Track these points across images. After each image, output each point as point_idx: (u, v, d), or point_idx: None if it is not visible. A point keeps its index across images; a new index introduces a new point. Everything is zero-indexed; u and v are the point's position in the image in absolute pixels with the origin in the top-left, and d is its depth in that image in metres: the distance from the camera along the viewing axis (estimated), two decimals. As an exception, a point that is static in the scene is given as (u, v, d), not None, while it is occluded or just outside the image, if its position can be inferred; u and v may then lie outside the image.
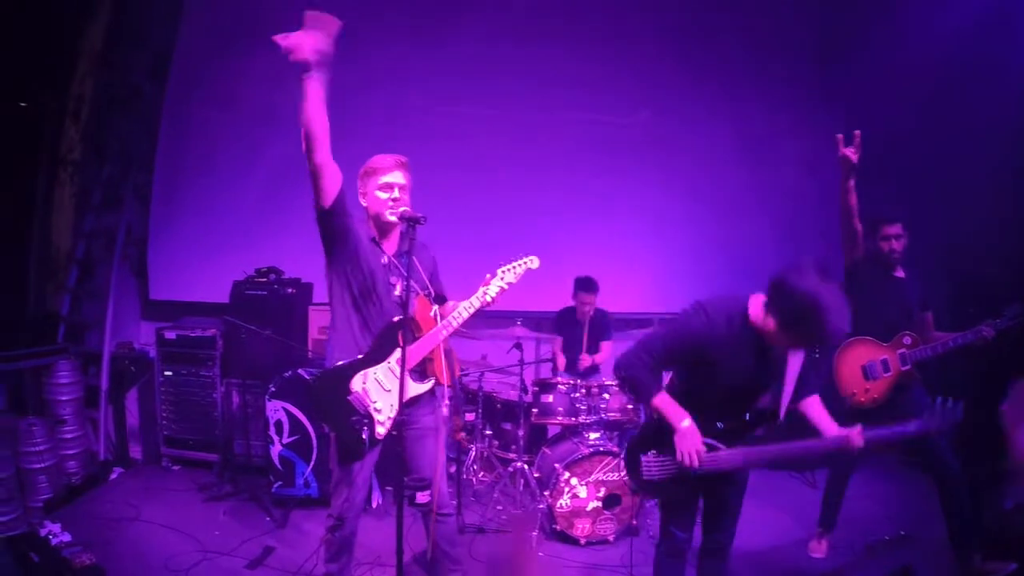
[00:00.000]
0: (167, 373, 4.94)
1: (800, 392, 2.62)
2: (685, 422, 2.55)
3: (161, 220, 5.29)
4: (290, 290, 4.99)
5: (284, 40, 2.29)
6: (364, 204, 2.80)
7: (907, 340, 3.51)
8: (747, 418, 2.63)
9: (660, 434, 2.67)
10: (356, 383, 2.74)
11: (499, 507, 4.45)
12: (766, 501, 4.55)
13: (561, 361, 5.15)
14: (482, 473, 4.87)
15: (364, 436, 2.73)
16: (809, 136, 5.71)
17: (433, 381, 2.88)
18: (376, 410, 2.75)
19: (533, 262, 2.83)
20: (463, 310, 2.79)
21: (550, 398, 4.44)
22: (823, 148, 5.80)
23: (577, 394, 4.40)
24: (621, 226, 5.75)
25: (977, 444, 4.48)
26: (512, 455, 4.58)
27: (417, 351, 2.78)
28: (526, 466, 4.45)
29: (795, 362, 2.55)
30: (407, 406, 2.68)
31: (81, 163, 5.01)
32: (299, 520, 4.20)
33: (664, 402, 2.60)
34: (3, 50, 4.12)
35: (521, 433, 4.49)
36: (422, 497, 2.88)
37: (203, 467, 4.91)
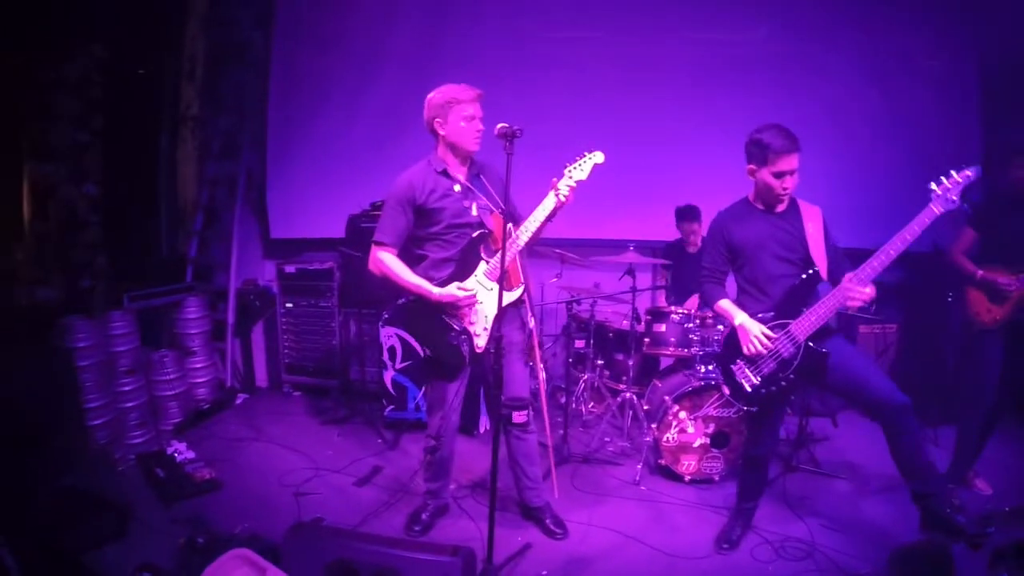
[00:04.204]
0: (288, 305, 5.15)
1: (835, 266, 2.75)
2: (739, 318, 2.78)
3: (278, 163, 5.42)
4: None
5: None
6: (442, 133, 2.84)
7: None
8: (795, 288, 2.73)
9: (739, 342, 2.81)
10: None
11: (606, 439, 4.25)
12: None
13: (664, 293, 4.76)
14: (592, 403, 4.67)
15: (464, 351, 2.83)
16: (940, 54, 4.88)
17: (521, 289, 2.89)
18: (471, 323, 2.83)
19: (597, 156, 2.76)
20: (539, 213, 2.76)
21: (663, 328, 4.11)
22: (954, 67, 5.02)
23: (691, 324, 4.04)
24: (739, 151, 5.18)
25: None
26: (622, 386, 4.32)
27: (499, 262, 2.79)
28: (635, 397, 4.21)
29: (813, 232, 2.74)
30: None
31: (200, 118, 5.27)
32: (408, 443, 4.26)
33: (724, 306, 2.87)
34: (118, 21, 4.33)
35: (631, 363, 4.24)
36: (518, 417, 2.83)
37: (321, 393, 5.09)
